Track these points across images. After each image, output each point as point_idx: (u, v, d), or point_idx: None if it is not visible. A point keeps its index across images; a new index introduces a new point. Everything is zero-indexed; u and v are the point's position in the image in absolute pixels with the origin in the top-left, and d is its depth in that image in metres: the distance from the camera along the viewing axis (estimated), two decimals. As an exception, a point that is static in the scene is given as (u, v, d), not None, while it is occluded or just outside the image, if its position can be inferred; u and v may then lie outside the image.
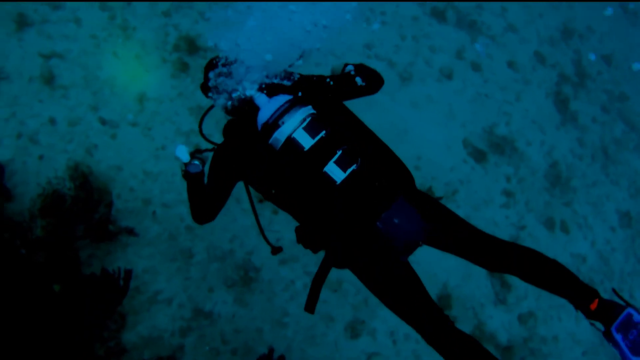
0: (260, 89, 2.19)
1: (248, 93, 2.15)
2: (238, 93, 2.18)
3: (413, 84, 5.69)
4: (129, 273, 3.58)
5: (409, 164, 5.41)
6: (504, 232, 5.64)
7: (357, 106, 5.44)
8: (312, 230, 2.07)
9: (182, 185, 4.54)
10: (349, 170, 1.99)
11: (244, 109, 2.21)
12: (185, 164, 2.27)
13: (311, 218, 2.08)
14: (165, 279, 4.23)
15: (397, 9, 6.01)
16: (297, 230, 2.13)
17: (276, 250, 2.43)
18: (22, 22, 4.30)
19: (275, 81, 2.24)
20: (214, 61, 2.29)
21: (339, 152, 2.01)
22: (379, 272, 2.07)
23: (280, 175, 2.07)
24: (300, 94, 2.17)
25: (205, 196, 2.28)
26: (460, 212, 5.48)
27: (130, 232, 4.21)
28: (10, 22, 4.29)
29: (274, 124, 2.04)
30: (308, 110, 2.08)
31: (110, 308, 3.49)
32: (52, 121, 4.23)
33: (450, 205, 5.43)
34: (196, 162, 2.26)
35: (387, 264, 2.06)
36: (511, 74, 6.51)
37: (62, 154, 4.20)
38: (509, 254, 2.13)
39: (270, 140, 2.05)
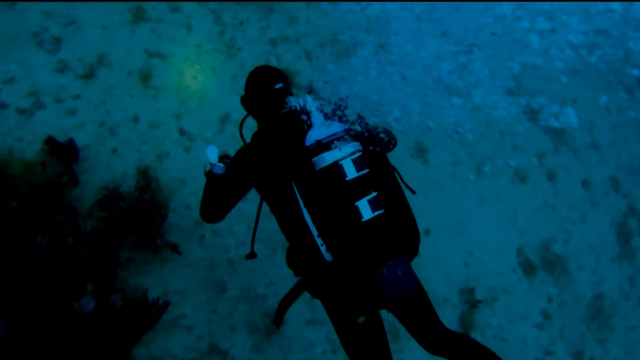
0: (319, 109, 2.25)
1: (309, 107, 2.20)
2: (296, 104, 2.24)
3: (486, 178, 5.55)
4: (165, 306, 3.52)
5: (458, 258, 5.26)
6: (530, 353, 5.42)
7: (426, 185, 5.31)
8: (304, 255, 2.16)
9: (236, 217, 4.49)
10: (376, 213, 2.09)
11: (292, 122, 2.25)
12: (212, 164, 2.34)
13: (313, 243, 2.10)
14: (192, 305, 4.15)
15: (491, 98, 5.89)
16: (289, 250, 2.25)
17: (251, 255, 2.48)
18: (139, 16, 4.32)
19: (333, 108, 2.32)
20: (265, 73, 2.46)
21: (374, 194, 2.10)
22: (356, 313, 2.16)
23: (307, 193, 2.10)
24: (356, 131, 2.26)
25: (219, 197, 2.33)
26: (494, 321, 5.32)
27: (175, 249, 4.16)
28: (127, 13, 4.32)
29: (327, 144, 2.11)
30: (358, 145, 2.17)
31: (135, 335, 3.41)
32: (136, 118, 4.22)
33: (486, 312, 5.28)
34: (222, 165, 2.32)
35: (367, 309, 2.18)
36: (582, 192, 6.31)
37: (134, 153, 4.18)
38: (452, 342, 2.35)
39: (315, 158, 2.09)
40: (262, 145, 2.24)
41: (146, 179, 4.10)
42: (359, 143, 2.19)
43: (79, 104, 4.04)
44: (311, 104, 2.21)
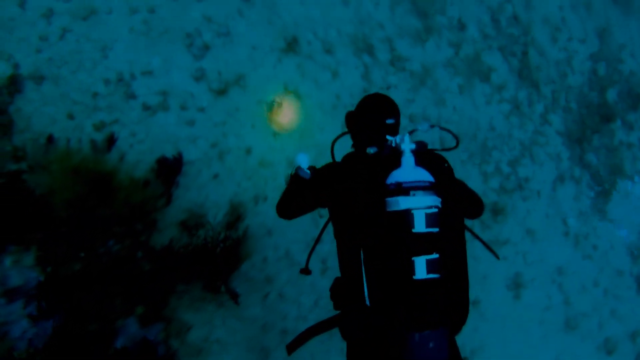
0: (413, 152, 2.17)
1: (403, 147, 2.11)
2: (392, 140, 2.18)
3: (573, 336, 4.95)
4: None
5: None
6: None
7: (508, 321, 4.74)
8: (348, 290, 2.11)
9: (308, 288, 4.14)
10: (430, 276, 1.96)
11: (382, 156, 2.20)
12: (300, 168, 2.35)
13: (359, 281, 2.05)
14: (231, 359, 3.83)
15: (611, 250, 5.28)
16: (336, 280, 2.21)
17: (305, 271, 2.46)
18: (291, 47, 4.03)
19: (429, 155, 2.25)
20: (383, 104, 2.37)
21: (436, 255, 1.98)
22: None
23: (369, 230, 2.04)
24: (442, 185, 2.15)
25: (296, 198, 2.34)
26: None
27: (235, 297, 3.85)
28: (281, 39, 4.04)
29: (406, 189, 2.00)
30: (437, 201, 2.04)
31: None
32: (248, 150, 3.94)
33: None
34: (308, 172, 2.32)
35: None
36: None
37: (234, 186, 3.90)
38: None
39: (389, 199, 2.00)
40: (348, 167, 2.23)
41: (235, 218, 3.80)
42: (440, 199, 2.05)
43: (200, 117, 3.80)
44: (407, 144, 2.11)
